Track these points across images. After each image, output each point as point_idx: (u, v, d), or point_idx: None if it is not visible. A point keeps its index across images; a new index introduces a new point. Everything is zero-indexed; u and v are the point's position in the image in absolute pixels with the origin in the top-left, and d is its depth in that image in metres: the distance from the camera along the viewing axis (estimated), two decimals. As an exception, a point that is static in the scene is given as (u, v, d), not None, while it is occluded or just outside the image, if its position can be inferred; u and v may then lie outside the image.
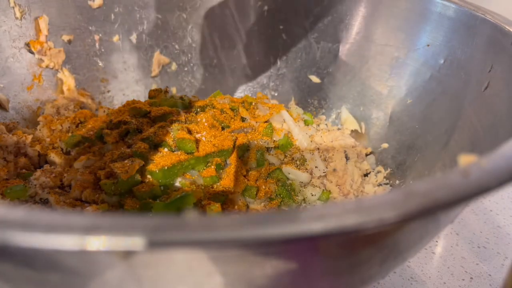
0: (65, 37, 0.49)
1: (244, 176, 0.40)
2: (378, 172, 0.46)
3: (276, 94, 0.56)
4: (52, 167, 0.40)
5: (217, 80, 0.56)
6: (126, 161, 0.37)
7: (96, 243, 0.14)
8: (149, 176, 0.37)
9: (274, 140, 0.44)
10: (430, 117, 0.42)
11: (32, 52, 0.47)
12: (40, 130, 0.45)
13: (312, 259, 0.19)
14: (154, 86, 0.55)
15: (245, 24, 0.54)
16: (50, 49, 0.48)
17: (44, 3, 0.47)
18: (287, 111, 0.48)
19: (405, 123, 0.45)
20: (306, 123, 0.48)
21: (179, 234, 0.14)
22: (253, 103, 0.48)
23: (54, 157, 0.41)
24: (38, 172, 0.38)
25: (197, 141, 0.40)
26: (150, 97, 0.50)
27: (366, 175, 0.46)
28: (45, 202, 0.37)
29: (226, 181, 0.38)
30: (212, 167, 0.39)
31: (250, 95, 0.55)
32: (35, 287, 0.20)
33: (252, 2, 0.53)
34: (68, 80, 0.50)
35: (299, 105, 0.53)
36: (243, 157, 0.42)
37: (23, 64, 0.46)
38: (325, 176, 0.43)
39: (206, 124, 0.42)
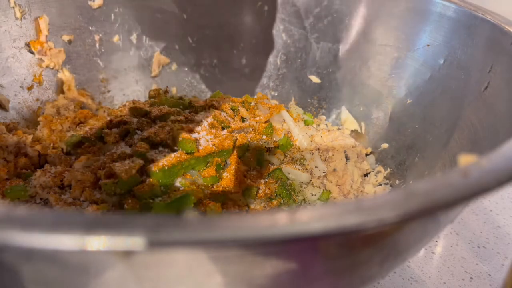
0: (65, 37, 0.49)
1: (244, 176, 0.40)
2: (378, 172, 0.46)
3: (276, 94, 0.56)
4: (52, 167, 0.40)
5: (217, 80, 0.56)
6: (126, 161, 0.37)
7: (96, 243, 0.14)
8: (149, 176, 0.37)
9: (274, 140, 0.44)
10: (430, 117, 0.42)
11: (32, 52, 0.47)
12: (40, 130, 0.44)
13: (312, 259, 0.19)
14: (154, 86, 0.55)
15: (245, 24, 0.54)
16: (50, 49, 0.48)
17: (44, 3, 0.47)
18: (287, 111, 0.48)
19: (405, 123, 0.45)
20: (306, 123, 0.48)
21: (179, 234, 0.14)
22: (253, 103, 0.48)
23: (54, 157, 0.41)
24: (38, 172, 0.38)
25: (197, 141, 0.40)
26: (150, 97, 0.50)
27: (366, 175, 0.46)
28: (45, 202, 0.37)
29: (226, 181, 0.38)
30: (212, 167, 0.39)
31: (250, 95, 0.55)
32: (35, 287, 0.20)
33: (252, 2, 0.53)
34: (68, 80, 0.50)
35: (299, 105, 0.53)
36: (243, 157, 0.42)
37: (23, 64, 0.46)
38: (325, 176, 0.43)
39: (206, 124, 0.42)
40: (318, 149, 0.45)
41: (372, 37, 0.48)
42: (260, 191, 0.40)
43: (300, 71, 0.54)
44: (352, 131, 0.50)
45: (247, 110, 0.47)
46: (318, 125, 0.51)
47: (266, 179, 0.41)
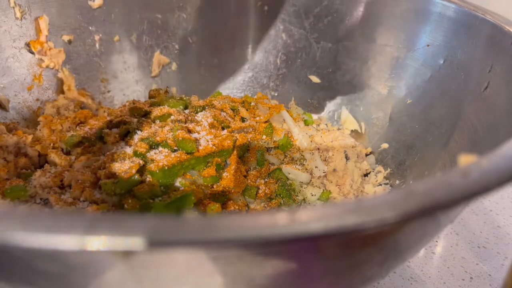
0: (65, 37, 0.49)
1: (244, 176, 0.40)
2: (378, 172, 0.46)
3: (276, 94, 0.56)
4: (52, 167, 0.40)
5: (217, 80, 0.56)
6: (126, 161, 0.37)
7: (96, 243, 0.14)
8: (149, 176, 0.37)
9: (274, 140, 0.44)
10: (430, 117, 0.42)
11: (32, 52, 0.47)
12: (40, 130, 0.44)
13: (312, 259, 0.19)
14: (154, 86, 0.55)
15: (245, 24, 0.54)
16: (50, 49, 0.48)
17: (44, 3, 0.47)
18: (287, 111, 0.48)
19: (405, 123, 0.45)
20: (306, 123, 0.48)
21: (179, 234, 0.14)
22: (253, 103, 0.48)
23: (54, 157, 0.41)
24: (38, 172, 0.38)
25: (197, 141, 0.40)
26: (150, 97, 0.50)
27: (366, 175, 0.46)
28: (45, 202, 0.37)
29: (226, 181, 0.38)
30: (212, 167, 0.39)
31: (250, 95, 0.55)
32: (35, 287, 0.20)
33: (252, 2, 0.53)
34: (68, 80, 0.50)
35: (299, 105, 0.53)
36: (243, 157, 0.42)
37: (23, 64, 0.46)
38: (325, 176, 0.43)
39: (206, 124, 0.42)
40: (318, 149, 0.45)
41: (372, 37, 0.48)
42: (260, 191, 0.40)
43: (300, 71, 0.54)
44: (352, 131, 0.50)
45: (247, 110, 0.47)
46: (318, 125, 0.51)
47: (266, 179, 0.41)
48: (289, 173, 0.42)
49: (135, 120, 0.42)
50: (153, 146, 0.39)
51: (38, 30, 0.47)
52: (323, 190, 0.42)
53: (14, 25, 0.45)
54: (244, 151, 0.42)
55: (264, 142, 0.43)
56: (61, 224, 0.14)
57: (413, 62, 0.44)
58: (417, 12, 0.44)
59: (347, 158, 0.45)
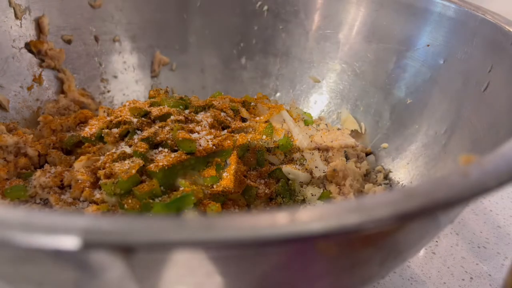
0: (66, 37, 0.49)
1: (244, 176, 0.40)
2: (378, 172, 0.46)
3: (276, 94, 0.56)
4: (52, 167, 0.40)
5: (217, 80, 0.56)
6: (126, 161, 0.37)
7: (96, 243, 0.14)
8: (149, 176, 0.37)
9: (274, 140, 0.44)
10: (430, 117, 0.42)
11: (32, 52, 0.47)
12: (40, 130, 0.44)
13: (312, 259, 0.19)
14: (154, 86, 0.55)
15: (245, 24, 0.54)
16: (50, 49, 0.48)
17: (44, 3, 0.47)
18: (287, 111, 0.48)
19: (405, 123, 0.45)
20: (306, 123, 0.48)
21: (179, 234, 0.14)
22: (253, 103, 0.48)
23: (54, 157, 0.41)
24: (38, 172, 0.38)
25: (197, 141, 0.40)
26: (150, 97, 0.50)
27: (366, 175, 0.46)
28: (45, 202, 0.37)
29: (226, 181, 0.38)
30: (212, 167, 0.38)
31: (250, 95, 0.55)
32: (35, 287, 0.20)
33: (252, 2, 0.53)
34: (68, 80, 0.50)
35: (299, 105, 0.53)
36: (243, 157, 0.42)
37: (23, 64, 0.46)
38: (325, 176, 0.43)
39: (206, 124, 0.42)
40: (318, 149, 0.45)
41: (372, 37, 0.48)
42: (260, 191, 0.40)
43: (300, 71, 0.54)
44: (352, 131, 0.50)
45: (247, 110, 0.47)
46: (318, 125, 0.51)
47: (266, 179, 0.41)
48: (289, 173, 0.42)
49: (135, 120, 0.42)
50: (153, 146, 0.39)
51: (38, 30, 0.47)
52: (323, 190, 0.42)
53: (14, 25, 0.45)
54: (244, 151, 0.42)
55: (264, 142, 0.43)
56: (61, 224, 0.14)
57: (413, 62, 0.44)
58: (417, 12, 0.44)
59: (347, 158, 0.45)
